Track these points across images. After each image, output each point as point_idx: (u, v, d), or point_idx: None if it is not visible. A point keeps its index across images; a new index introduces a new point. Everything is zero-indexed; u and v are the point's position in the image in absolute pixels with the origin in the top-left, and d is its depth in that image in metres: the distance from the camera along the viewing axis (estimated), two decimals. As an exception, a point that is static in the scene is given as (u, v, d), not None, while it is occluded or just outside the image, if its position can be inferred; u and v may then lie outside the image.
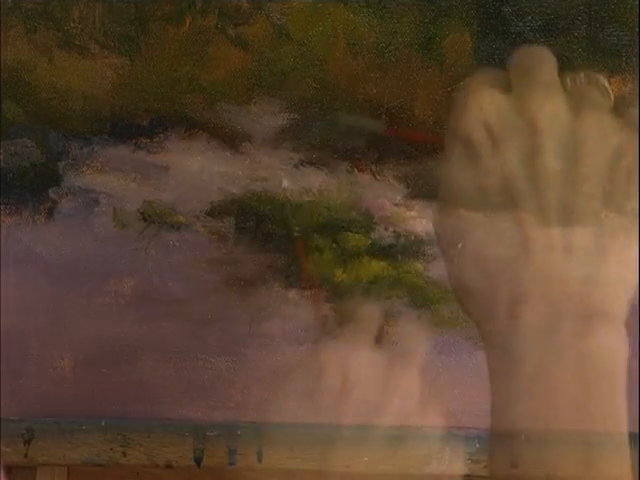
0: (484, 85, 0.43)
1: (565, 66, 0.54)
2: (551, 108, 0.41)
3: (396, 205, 0.56)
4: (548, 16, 0.53)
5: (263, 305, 0.58)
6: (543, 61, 0.44)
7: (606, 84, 0.44)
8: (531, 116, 0.41)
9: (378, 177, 0.56)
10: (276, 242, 0.57)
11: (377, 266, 0.57)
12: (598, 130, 0.41)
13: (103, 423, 0.60)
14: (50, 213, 0.57)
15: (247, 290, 0.58)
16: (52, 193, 0.57)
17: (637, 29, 0.53)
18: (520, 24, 0.53)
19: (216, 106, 0.55)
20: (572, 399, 0.38)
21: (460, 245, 0.44)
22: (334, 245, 0.57)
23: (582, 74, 0.43)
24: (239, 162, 0.56)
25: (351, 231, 0.57)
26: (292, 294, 0.58)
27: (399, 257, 0.57)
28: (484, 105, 0.42)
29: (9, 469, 0.63)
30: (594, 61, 0.54)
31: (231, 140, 0.56)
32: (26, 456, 0.61)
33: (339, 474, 0.60)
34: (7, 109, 0.55)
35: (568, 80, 0.43)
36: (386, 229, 0.57)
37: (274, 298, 0.58)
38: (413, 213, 0.56)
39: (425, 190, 0.56)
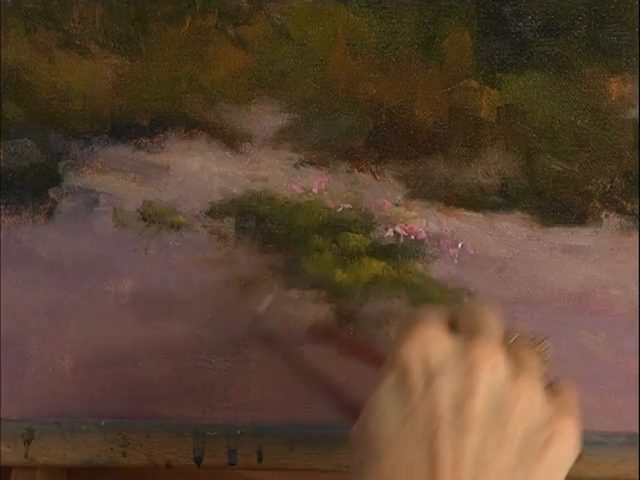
0: (433, 320, 0.44)
1: (565, 66, 0.54)
2: (492, 362, 0.42)
3: (396, 205, 0.56)
4: (548, 16, 0.53)
5: (263, 305, 0.58)
6: (492, 315, 0.45)
7: (548, 349, 0.45)
8: (471, 362, 0.41)
9: (378, 177, 0.56)
10: (276, 242, 0.57)
11: (377, 266, 0.57)
12: (529, 399, 0.41)
13: (103, 423, 0.60)
14: (50, 213, 0.57)
15: (247, 290, 0.58)
16: (52, 193, 0.57)
17: (637, 29, 0.53)
18: (520, 24, 0.53)
19: (216, 106, 0.55)
20: None
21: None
22: (334, 245, 0.57)
23: (525, 339, 0.45)
24: (239, 162, 0.56)
25: (351, 231, 0.57)
26: (292, 294, 0.58)
27: (399, 257, 0.57)
28: (429, 340, 0.42)
29: (9, 469, 0.63)
30: (594, 61, 0.54)
31: (231, 140, 0.56)
32: (26, 456, 0.61)
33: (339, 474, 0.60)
34: (7, 109, 0.55)
35: (512, 339, 0.44)
36: (386, 229, 0.57)
37: (274, 298, 0.58)
38: (413, 213, 0.57)
39: (425, 190, 0.56)
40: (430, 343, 0.42)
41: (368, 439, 0.42)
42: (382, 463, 0.41)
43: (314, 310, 0.58)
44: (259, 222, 0.57)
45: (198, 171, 0.56)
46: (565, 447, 0.42)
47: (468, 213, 0.56)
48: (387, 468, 0.41)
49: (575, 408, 0.43)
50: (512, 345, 0.44)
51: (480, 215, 0.56)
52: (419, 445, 0.41)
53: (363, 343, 0.55)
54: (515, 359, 0.43)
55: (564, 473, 0.42)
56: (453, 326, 0.44)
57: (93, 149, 0.56)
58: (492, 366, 0.42)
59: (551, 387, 0.44)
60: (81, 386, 0.59)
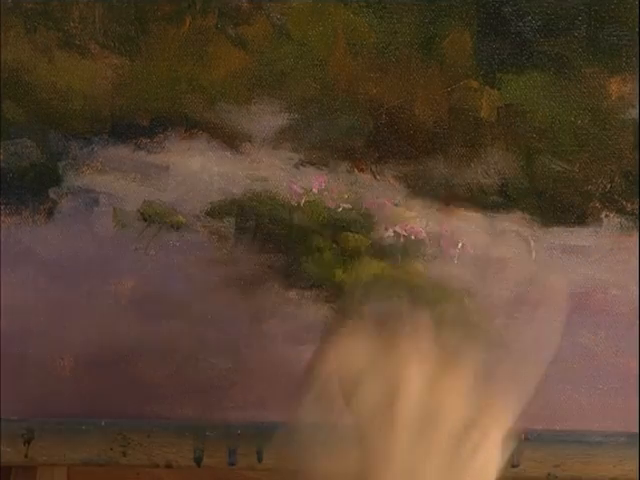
0: (348, 336, 0.43)
1: (565, 66, 0.54)
2: (416, 361, 0.41)
3: (396, 205, 0.56)
4: (548, 16, 0.53)
5: (263, 305, 0.58)
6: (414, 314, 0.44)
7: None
8: (395, 364, 0.41)
9: (378, 177, 0.56)
10: (276, 242, 0.57)
11: (377, 266, 0.57)
12: (458, 398, 0.41)
13: (103, 423, 0.60)
14: (50, 213, 0.57)
15: (247, 290, 0.58)
16: (52, 193, 0.57)
17: (637, 29, 0.53)
18: (520, 24, 0.53)
19: (216, 106, 0.55)
20: None
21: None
22: (334, 245, 0.57)
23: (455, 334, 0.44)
24: (239, 162, 0.56)
25: (351, 231, 0.57)
26: (292, 294, 0.58)
27: (399, 257, 0.57)
28: (343, 349, 0.42)
29: (9, 469, 0.63)
30: (594, 61, 0.54)
31: (231, 140, 0.56)
32: (26, 456, 0.61)
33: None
34: (7, 109, 0.55)
35: (440, 325, 0.43)
36: (386, 229, 0.57)
37: (274, 298, 0.58)
38: (413, 213, 0.57)
39: (425, 190, 0.56)
40: (345, 353, 0.42)
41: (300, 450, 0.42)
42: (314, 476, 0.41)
43: (314, 310, 0.58)
44: (259, 222, 0.57)
45: (198, 171, 0.56)
46: (493, 450, 0.41)
47: (468, 213, 0.56)
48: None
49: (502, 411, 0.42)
50: (442, 334, 0.43)
51: (480, 215, 0.56)
52: (348, 457, 0.40)
53: None
54: (445, 351, 0.42)
55: (493, 476, 0.41)
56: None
57: (93, 149, 0.56)
58: (416, 368, 0.41)
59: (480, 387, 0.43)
60: (81, 386, 0.59)
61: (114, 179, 0.57)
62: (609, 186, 0.55)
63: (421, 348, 0.41)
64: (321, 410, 0.41)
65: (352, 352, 0.42)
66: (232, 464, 0.60)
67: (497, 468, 0.41)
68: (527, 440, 0.59)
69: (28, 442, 0.60)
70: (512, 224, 0.56)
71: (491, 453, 0.41)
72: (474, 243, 0.57)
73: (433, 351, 0.42)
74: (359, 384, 0.41)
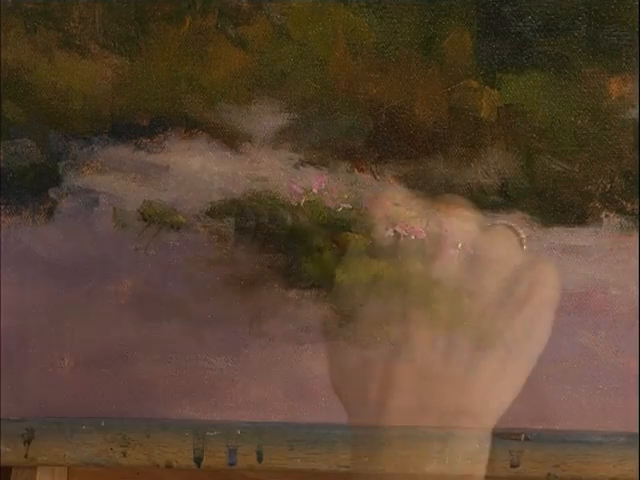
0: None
1: (565, 66, 0.54)
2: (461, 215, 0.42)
3: (396, 205, 0.56)
4: (548, 16, 0.53)
5: (263, 305, 0.58)
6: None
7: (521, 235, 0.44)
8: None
9: (378, 177, 0.56)
10: (276, 242, 0.57)
11: (377, 266, 0.57)
12: (504, 250, 0.42)
13: (103, 423, 0.60)
14: (50, 213, 0.57)
15: (247, 290, 0.58)
16: (52, 193, 0.57)
17: (637, 29, 0.53)
18: (520, 24, 0.53)
19: (216, 106, 0.55)
20: None
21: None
22: (334, 245, 0.57)
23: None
24: (239, 162, 0.56)
25: (351, 231, 0.57)
26: (292, 294, 0.58)
27: (399, 257, 0.57)
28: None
29: (9, 469, 0.63)
30: (594, 61, 0.54)
31: (231, 140, 0.56)
32: (26, 456, 0.61)
33: (339, 474, 0.60)
34: (7, 109, 0.55)
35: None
36: (386, 229, 0.57)
37: (274, 298, 0.58)
38: (413, 213, 0.56)
39: (425, 190, 0.56)
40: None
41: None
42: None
43: (314, 310, 0.58)
44: (259, 222, 0.57)
45: (198, 171, 0.56)
46: (545, 299, 0.42)
47: (468, 213, 0.56)
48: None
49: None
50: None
51: (480, 215, 0.56)
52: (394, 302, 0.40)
53: None
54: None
55: (551, 316, 0.42)
56: None
57: (93, 149, 0.56)
58: (462, 219, 0.41)
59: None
60: (81, 386, 0.59)
61: (114, 179, 0.57)
62: (609, 186, 0.55)
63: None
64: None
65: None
66: (232, 464, 0.60)
67: (554, 306, 0.43)
68: (527, 440, 0.59)
69: (28, 442, 0.60)
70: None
71: (544, 301, 0.43)
72: (474, 243, 0.57)
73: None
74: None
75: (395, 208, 0.56)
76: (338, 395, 0.43)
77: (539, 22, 0.54)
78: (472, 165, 0.55)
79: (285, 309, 0.58)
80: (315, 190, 0.56)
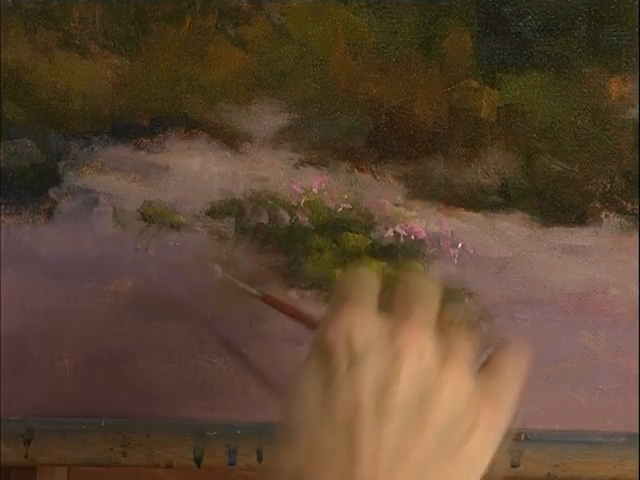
0: (362, 301, 0.43)
1: (565, 66, 0.54)
2: (417, 348, 0.41)
3: (396, 205, 0.56)
4: (548, 16, 0.53)
5: (263, 305, 0.58)
6: (426, 296, 0.44)
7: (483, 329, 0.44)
8: (397, 349, 0.41)
9: (378, 177, 0.56)
10: (276, 242, 0.57)
11: (377, 266, 0.57)
12: (453, 388, 0.41)
13: (103, 423, 0.60)
14: (50, 213, 0.57)
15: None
16: (52, 193, 0.57)
17: (637, 29, 0.53)
18: (520, 24, 0.53)
19: (216, 106, 0.55)
20: None
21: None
22: (334, 245, 0.57)
23: (459, 318, 0.44)
24: (239, 162, 0.56)
25: (351, 231, 0.57)
26: (292, 294, 0.58)
27: (399, 257, 0.57)
28: (355, 323, 0.41)
29: (9, 469, 0.63)
30: (594, 61, 0.54)
31: (231, 140, 0.56)
32: (26, 456, 0.61)
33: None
34: (7, 109, 0.55)
35: (443, 318, 0.43)
36: (386, 229, 0.57)
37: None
38: (413, 213, 0.57)
39: (425, 190, 0.56)
40: (356, 326, 0.41)
41: (288, 422, 0.41)
42: (299, 447, 0.40)
43: (314, 310, 0.58)
44: (259, 222, 0.57)
45: (198, 171, 0.56)
46: (485, 439, 0.41)
47: (468, 213, 0.56)
48: (303, 453, 0.40)
49: (506, 391, 0.42)
50: (444, 326, 0.43)
51: (480, 215, 0.56)
52: (338, 430, 0.40)
53: (306, 313, 0.54)
54: (446, 342, 0.42)
55: (484, 465, 0.41)
56: (389, 304, 0.43)
57: (93, 149, 0.56)
58: (418, 353, 0.41)
59: (486, 368, 0.43)
60: (81, 386, 0.59)
61: (114, 179, 0.57)
62: (609, 186, 0.55)
63: (422, 339, 0.42)
64: (321, 380, 0.41)
65: (363, 324, 0.42)
66: (232, 464, 0.60)
67: (489, 454, 0.41)
68: (527, 440, 0.59)
69: (28, 442, 0.60)
70: (512, 224, 0.56)
71: (485, 439, 0.41)
72: (474, 243, 0.57)
73: (434, 342, 0.42)
74: (364, 358, 0.41)
75: (395, 208, 0.57)
76: None
77: (539, 22, 0.54)
78: (472, 165, 0.55)
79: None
80: (315, 190, 0.56)
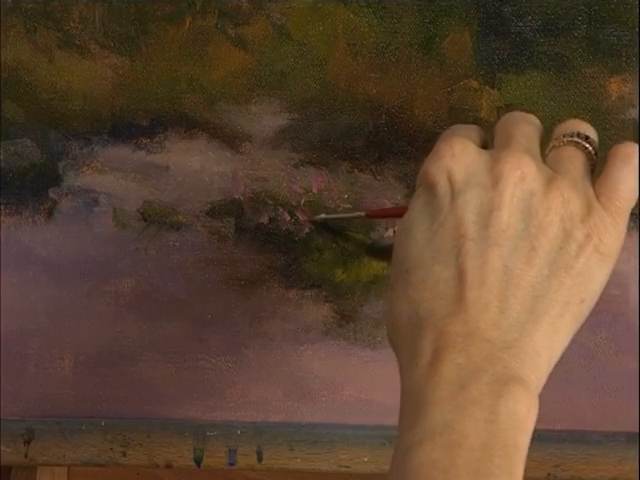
0: (461, 135, 0.43)
1: (565, 66, 0.54)
2: (519, 173, 0.41)
3: (396, 205, 0.56)
4: (548, 16, 0.53)
5: (263, 305, 0.58)
6: (525, 125, 0.44)
7: (592, 142, 0.43)
8: (498, 175, 0.41)
9: (378, 177, 0.56)
10: (276, 242, 0.57)
11: (377, 266, 0.57)
12: (561, 208, 0.40)
13: (103, 423, 0.60)
14: (50, 213, 0.57)
15: (247, 290, 0.58)
16: (52, 193, 0.57)
17: (637, 29, 0.53)
18: (520, 24, 0.53)
19: (216, 106, 0.55)
20: (471, 459, 0.37)
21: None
22: (334, 245, 0.57)
23: (565, 138, 0.43)
24: (239, 162, 0.56)
25: (351, 231, 0.57)
26: (292, 294, 0.58)
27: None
28: (455, 155, 0.42)
29: (9, 469, 0.63)
30: (594, 61, 0.54)
31: (231, 140, 0.56)
32: (26, 456, 0.61)
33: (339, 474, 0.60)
34: (7, 109, 0.56)
35: (550, 145, 0.43)
36: (386, 229, 0.57)
37: (274, 298, 0.58)
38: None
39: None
40: (456, 158, 0.41)
41: (398, 261, 0.42)
42: (412, 282, 0.41)
43: (314, 310, 0.58)
44: (259, 222, 0.57)
45: (198, 171, 0.56)
46: (598, 255, 0.41)
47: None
48: (417, 286, 0.40)
49: (622, 200, 0.41)
50: (551, 150, 0.43)
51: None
52: (446, 261, 0.40)
53: None
54: (554, 163, 0.42)
55: (599, 283, 0.41)
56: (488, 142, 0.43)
57: (93, 149, 0.56)
58: (520, 177, 0.40)
59: (598, 181, 0.42)
60: (81, 386, 0.59)
61: (114, 179, 0.57)
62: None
63: (522, 161, 0.41)
64: (426, 215, 0.42)
65: (463, 155, 0.42)
66: (232, 464, 0.60)
67: (604, 272, 0.41)
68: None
69: (28, 442, 0.60)
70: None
71: (597, 255, 0.41)
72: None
73: (536, 166, 0.42)
74: (466, 188, 0.41)
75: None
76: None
77: (539, 22, 0.54)
78: (472, 165, 0.55)
79: (285, 309, 0.58)
80: (315, 190, 0.56)
